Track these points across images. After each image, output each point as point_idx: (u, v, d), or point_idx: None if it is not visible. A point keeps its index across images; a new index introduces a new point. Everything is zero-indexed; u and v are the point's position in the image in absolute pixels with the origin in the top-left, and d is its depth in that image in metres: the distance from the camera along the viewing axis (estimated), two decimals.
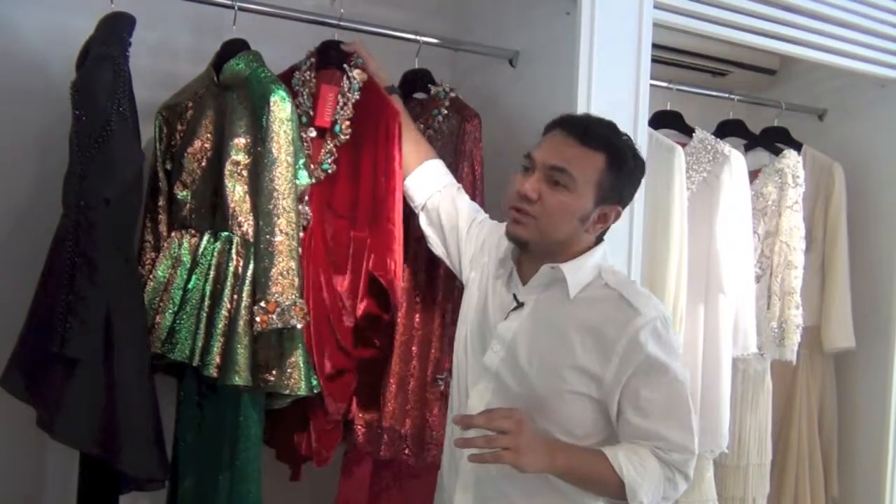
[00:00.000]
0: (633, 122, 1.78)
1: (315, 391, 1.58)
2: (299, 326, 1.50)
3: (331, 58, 1.70)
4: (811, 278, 2.20)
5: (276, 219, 1.50)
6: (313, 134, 1.67)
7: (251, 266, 1.53)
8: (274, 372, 1.52)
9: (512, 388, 1.35)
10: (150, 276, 1.62)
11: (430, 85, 1.85)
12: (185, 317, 1.56)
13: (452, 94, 1.82)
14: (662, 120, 2.09)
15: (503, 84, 1.94)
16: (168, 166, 1.69)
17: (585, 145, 1.30)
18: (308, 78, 1.69)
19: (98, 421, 1.43)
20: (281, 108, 1.52)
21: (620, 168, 1.32)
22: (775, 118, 2.27)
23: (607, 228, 1.38)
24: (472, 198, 1.79)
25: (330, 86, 1.69)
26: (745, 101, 2.24)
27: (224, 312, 1.54)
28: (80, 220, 1.42)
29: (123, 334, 1.45)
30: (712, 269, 1.96)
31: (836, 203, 2.23)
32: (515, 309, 1.38)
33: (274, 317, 1.48)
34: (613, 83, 1.76)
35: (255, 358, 1.52)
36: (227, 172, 1.56)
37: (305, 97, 1.68)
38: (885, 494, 2.19)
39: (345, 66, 1.67)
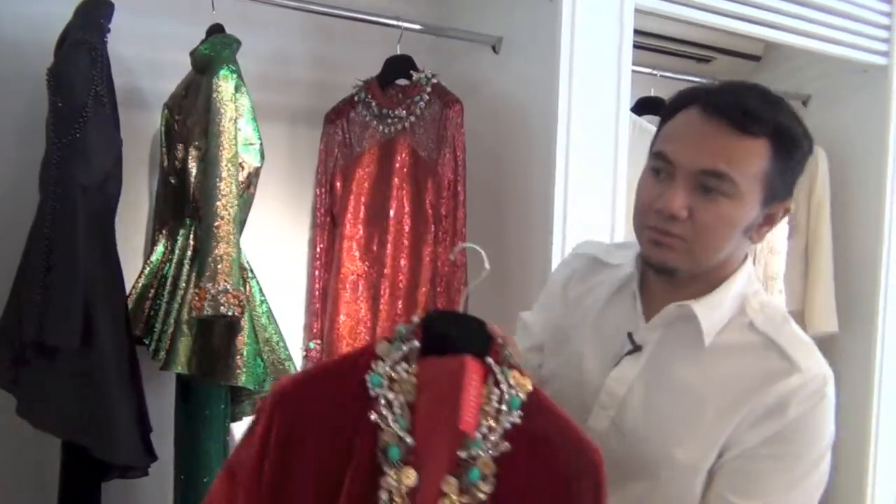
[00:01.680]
0: (616, 109, 1.78)
1: (264, 385, 1.57)
2: (230, 314, 1.45)
3: (454, 342, 0.92)
4: (795, 263, 2.21)
5: (214, 201, 1.47)
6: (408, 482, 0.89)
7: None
8: (220, 362, 1.51)
9: (616, 454, 1.00)
10: (148, 263, 1.63)
11: (412, 71, 1.84)
12: (157, 303, 1.57)
13: (434, 81, 1.81)
14: (646, 106, 2.09)
15: (486, 70, 1.94)
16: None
17: (747, 134, 0.93)
18: (401, 373, 0.92)
19: (79, 408, 1.42)
20: (224, 86, 1.48)
21: (792, 155, 0.97)
22: None
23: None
24: (454, 184, 1.80)
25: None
26: None
27: (178, 299, 1.54)
28: (56, 208, 1.41)
29: (103, 321, 1.45)
30: None
31: (820, 189, 2.24)
32: (631, 352, 1.06)
33: (206, 304, 1.44)
34: (595, 69, 1.76)
35: (205, 347, 1.51)
36: (190, 157, 1.55)
37: (397, 407, 0.90)
38: (867, 477, 2.21)
39: (489, 359, 0.92)
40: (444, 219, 1.79)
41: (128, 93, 1.70)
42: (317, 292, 1.94)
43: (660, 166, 0.98)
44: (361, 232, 1.86)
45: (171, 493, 1.67)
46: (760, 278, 2.09)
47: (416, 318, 0.93)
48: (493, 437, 0.89)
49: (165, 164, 1.69)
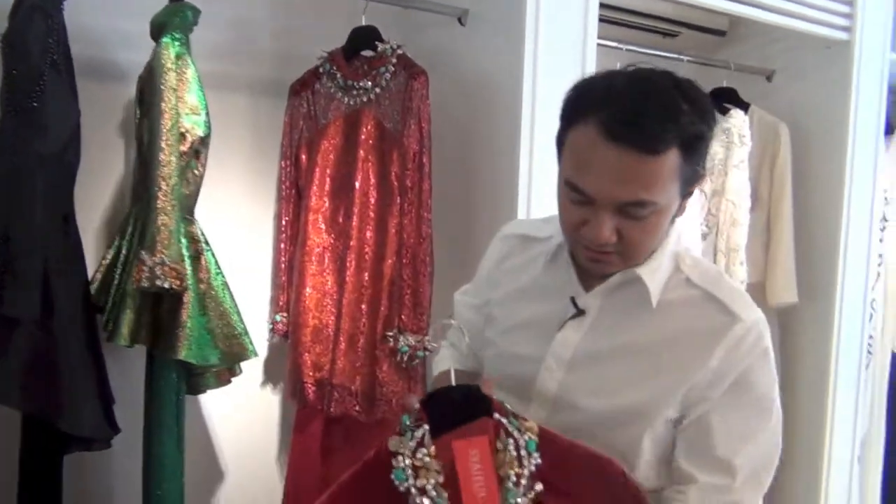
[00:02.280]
0: None
1: (209, 362, 1.57)
2: (167, 287, 1.44)
3: (458, 415, 0.97)
4: (757, 236, 2.24)
5: (153, 172, 1.46)
6: None
7: None
8: (164, 335, 1.52)
9: (565, 416, 1.06)
10: (118, 235, 1.63)
11: (377, 42, 1.83)
12: (113, 275, 1.58)
13: (400, 52, 1.81)
14: None
15: (452, 42, 1.93)
16: None
17: (656, 154, 0.92)
18: (423, 459, 0.95)
19: (39, 381, 1.42)
20: (165, 53, 1.47)
21: (700, 149, 0.97)
22: (724, 79, 2.29)
23: None
24: (420, 156, 1.79)
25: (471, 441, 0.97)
26: (694, 62, 2.25)
27: (127, 272, 1.54)
28: (13, 177, 1.39)
29: (63, 293, 1.44)
30: None
31: (782, 162, 2.27)
32: (574, 317, 1.08)
33: (143, 276, 1.43)
34: (561, 42, 1.77)
35: (153, 319, 1.52)
36: (144, 128, 1.55)
37: (431, 490, 0.94)
38: (825, 445, 2.27)
39: (496, 415, 0.97)
40: (409, 190, 1.79)
41: (101, 64, 1.68)
42: (282, 265, 1.94)
43: (577, 198, 0.98)
44: (327, 204, 1.85)
45: None
46: (722, 250, 2.12)
47: (415, 405, 0.97)
48: (524, 482, 0.95)
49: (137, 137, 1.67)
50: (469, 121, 1.89)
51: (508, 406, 0.98)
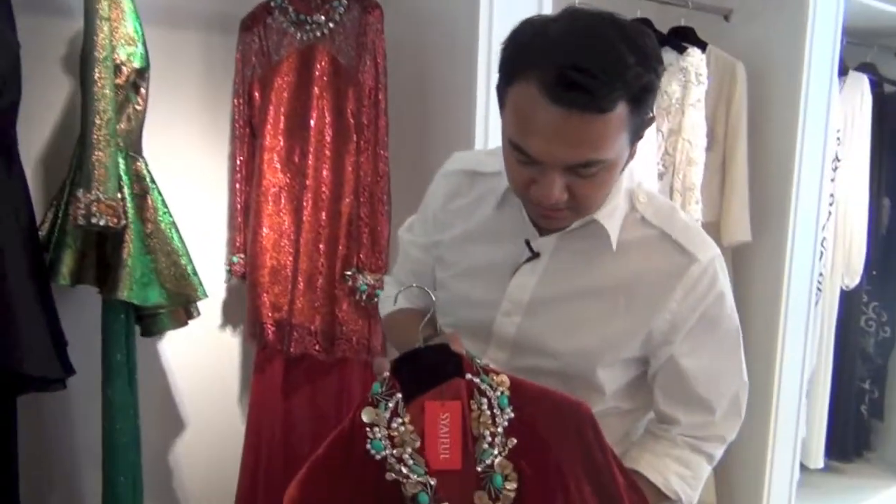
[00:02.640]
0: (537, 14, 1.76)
1: (152, 302, 1.56)
2: (102, 224, 1.41)
3: (430, 377, 0.97)
4: (713, 176, 2.27)
5: (88, 105, 1.41)
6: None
7: None
8: (107, 275, 1.50)
9: (529, 360, 1.05)
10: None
11: None
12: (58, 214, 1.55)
13: None
14: None
15: None
16: None
17: (602, 112, 0.86)
18: (399, 428, 0.95)
19: None
20: None
21: (648, 99, 0.92)
22: (682, 17, 2.28)
23: None
24: (376, 92, 1.77)
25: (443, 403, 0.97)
26: (653, 0, 2.24)
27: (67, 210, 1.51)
28: None
29: (6, 234, 1.40)
30: None
31: (738, 102, 2.28)
32: (529, 259, 1.06)
33: (79, 213, 1.40)
34: None
35: (97, 259, 1.50)
36: None
37: (408, 458, 0.95)
38: (774, 380, 2.34)
39: (468, 375, 0.96)
40: (365, 128, 1.77)
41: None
42: (238, 206, 1.91)
43: (522, 158, 0.93)
44: (282, 143, 1.82)
45: None
46: (678, 189, 2.14)
47: (385, 373, 0.94)
48: (498, 440, 0.94)
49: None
50: (425, 55, 1.86)
51: (478, 360, 0.96)
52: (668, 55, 2.22)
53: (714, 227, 2.30)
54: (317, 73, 1.77)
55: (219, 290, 1.98)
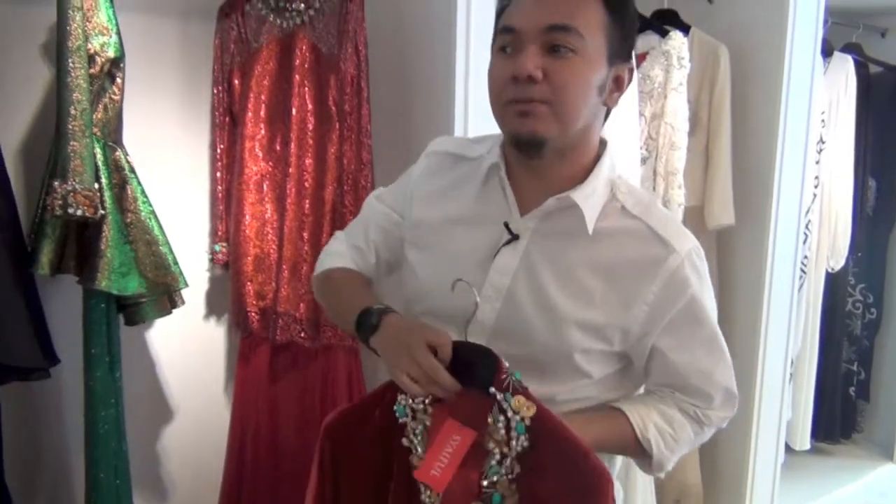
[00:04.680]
0: None
1: (130, 291, 1.56)
2: (79, 214, 1.42)
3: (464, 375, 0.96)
4: (696, 160, 2.27)
5: (63, 95, 1.41)
6: None
7: None
8: (84, 265, 1.51)
9: (506, 347, 1.00)
10: None
11: None
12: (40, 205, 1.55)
13: None
14: None
15: None
16: None
17: None
18: (418, 405, 0.99)
19: None
20: None
21: (624, 18, 1.01)
22: (665, 0, 2.28)
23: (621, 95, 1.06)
24: (357, 80, 1.77)
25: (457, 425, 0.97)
26: None
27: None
28: None
29: None
30: None
31: (721, 85, 2.28)
32: (509, 242, 1.05)
33: (56, 204, 1.40)
34: None
35: (77, 249, 1.50)
36: None
37: (419, 433, 1.00)
38: (758, 363, 2.35)
39: (492, 389, 0.94)
40: (348, 116, 1.77)
41: None
42: (220, 195, 1.91)
43: (507, 41, 0.99)
44: (263, 131, 1.82)
45: None
46: (661, 174, 2.15)
47: (448, 344, 0.95)
48: (507, 462, 0.94)
49: None
50: (405, 42, 1.85)
51: (517, 377, 0.93)
52: (650, 39, 2.22)
53: (697, 211, 2.31)
54: (297, 60, 1.76)
55: (202, 280, 1.98)
